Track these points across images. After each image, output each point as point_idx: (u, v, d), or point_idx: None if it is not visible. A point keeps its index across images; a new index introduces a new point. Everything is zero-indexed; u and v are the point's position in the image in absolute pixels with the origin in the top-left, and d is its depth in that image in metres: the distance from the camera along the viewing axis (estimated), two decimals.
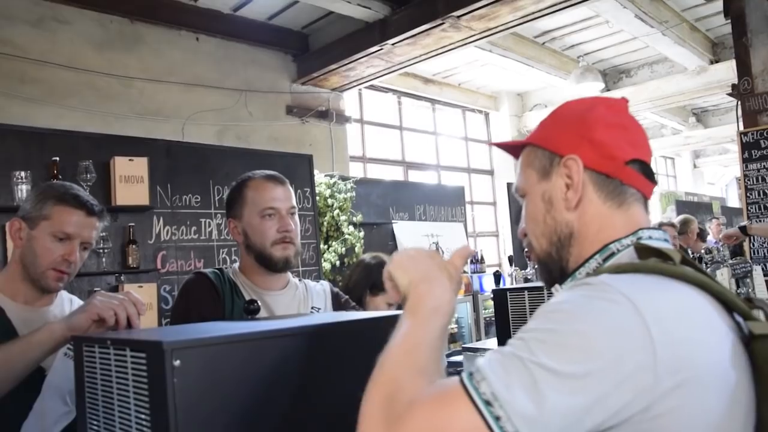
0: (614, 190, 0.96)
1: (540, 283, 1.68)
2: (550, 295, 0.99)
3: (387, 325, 1.06)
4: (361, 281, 2.42)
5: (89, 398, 0.97)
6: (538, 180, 1.01)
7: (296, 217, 1.92)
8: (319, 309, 1.97)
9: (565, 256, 0.98)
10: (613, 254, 0.93)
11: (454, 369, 2.28)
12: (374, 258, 2.45)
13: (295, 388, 0.90)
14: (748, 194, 5.50)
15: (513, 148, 1.11)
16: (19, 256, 1.70)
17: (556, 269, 1.01)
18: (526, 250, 1.09)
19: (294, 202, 1.92)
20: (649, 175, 0.99)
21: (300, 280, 2.05)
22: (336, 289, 2.11)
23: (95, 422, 0.95)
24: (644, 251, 0.90)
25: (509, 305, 1.64)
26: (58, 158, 3.64)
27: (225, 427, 0.83)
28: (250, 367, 0.85)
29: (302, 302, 1.95)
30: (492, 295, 1.79)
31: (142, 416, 0.83)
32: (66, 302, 1.83)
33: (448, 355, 2.56)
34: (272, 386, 0.87)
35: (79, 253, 1.71)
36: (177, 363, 0.78)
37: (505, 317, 1.65)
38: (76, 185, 1.81)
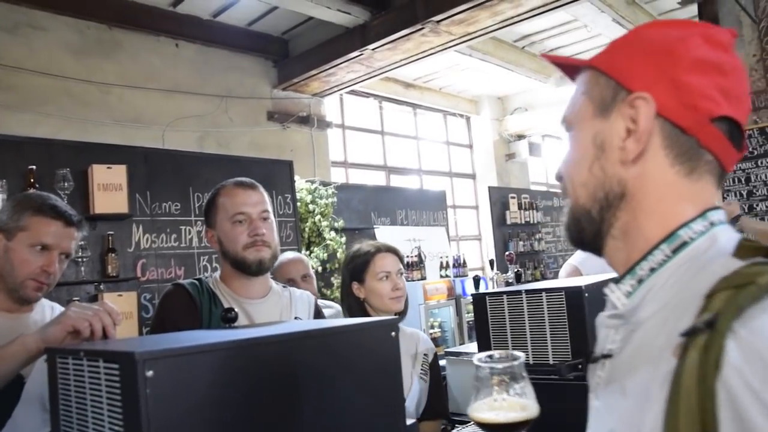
0: (688, 151, 0.75)
1: (518, 287, 1.69)
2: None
3: (363, 333, 1.06)
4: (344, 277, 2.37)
5: (63, 410, 0.96)
6: (592, 114, 0.81)
7: (270, 220, 1.90)
8: (302, 320, 1.96)
9: (608, 219, 0.79)
10: (685, 244, 0.74)
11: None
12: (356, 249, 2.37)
13: (270, 398, 0.89)
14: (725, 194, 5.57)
15: (570, 69, 0.88)
16: None
17: (590, 231, 0.82)
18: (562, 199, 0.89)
19: (267, 206, 1.91)
20: (736, 141, 0.77)
21: (284, 287, 2.04)
22: (318, 303, 2.10)
23: None
24: (747, 250, 0.70)
25: (488, 310, 1.65)
26: (34, 166, 3.60)
27: None
28: (224, 377, 0.84)
29: (285, 310, 1.94)
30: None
31: (116, 428, 0.82)
32: (47, 308, 1.82)
33: (441, 356, 2.55)
34: (247, 396, 0.87)
35: (58, 264, 1.70)
36: (150, 373, 0.77)
37: (485, 321, 1.66)
38: (53, 195, 1.80)
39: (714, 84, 0.74)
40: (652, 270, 0.75)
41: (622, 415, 0.73)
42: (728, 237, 0.74)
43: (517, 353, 0.87)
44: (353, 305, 2.22)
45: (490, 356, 0.86)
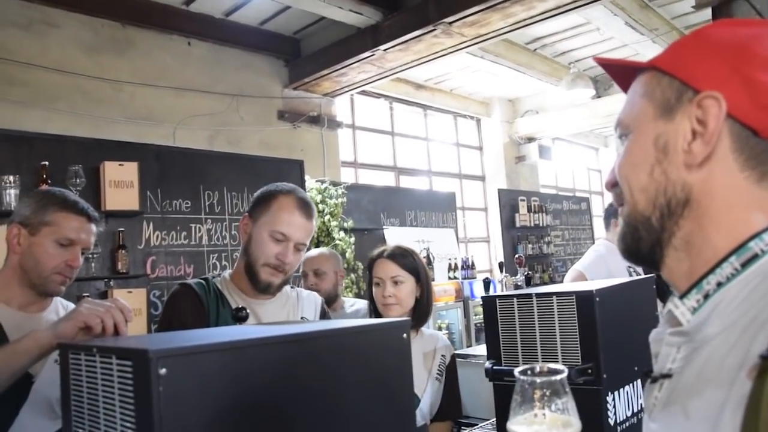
0: (760, 155, 0.70)
1: (528, 290, 1.68)
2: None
3: (375, 334, 1.06)
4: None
5: (75, 406, 0.96)
6: (654, 116, 0.75)
7: (302, 253, 1.88)
8: (309, 320, 1.96)
9: (670, 228, 0.74)
10: (756, 257, 0.68)
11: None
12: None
13: (283, 397, 0.89)
14: None
15: (622, 72, 0.83)
16: (18, 262, 1.70)
17: (648, 241, 0.76)
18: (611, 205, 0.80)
19: (308, 239, 1.88)
20: None
21: (292, 287, 2.04)
22: (324, 304, 2.11)
23: (81, 431, 0.94)
24: None
25: (498, 312, 1.64)
26: (47, 162, 3.62)
27: None
28: (237, 376, 0.85)
29: (292, 311, 1.95)
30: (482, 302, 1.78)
31: (128, 425, 0.82)
32: (60, 308, 1.83)
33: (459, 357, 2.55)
34: (259, 394, 0.87)
35: (80, 259, 1.74)
36: (163, 371, 0.77)
37: (495, 324, 1.65)
38: (71, 192, 1.82)
39: None
40: (720, 284, 0.69)
41: None
42: None
43: (559, 367, 0.80)
44: (371, 304, 2.26)
45: (532, 369, 0.79)
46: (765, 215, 0.70)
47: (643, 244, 0.77)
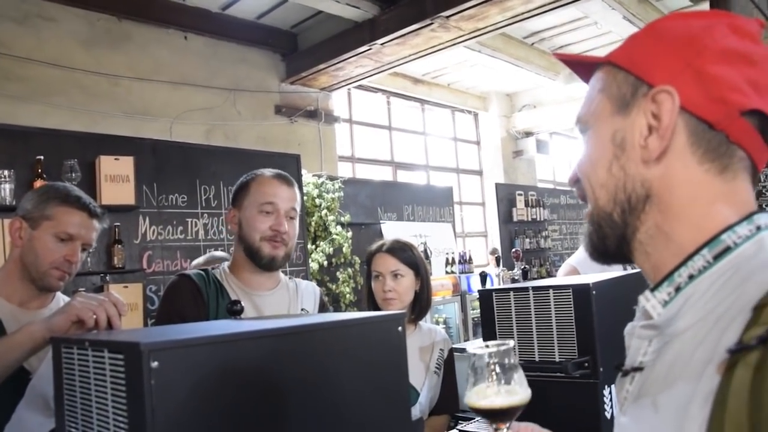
0: (717, 148, 0.69)
1: (525, 284, 1.68)
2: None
3: (370, 328, 1.05)
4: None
5: (67, 400, 0.95)
6: (611, 112, 0.75)
7: (296, 221, 1.90)
8: (308, 311, 1.96)
9: (633, 223, 0.74)
10: (728, 249, 0.67)
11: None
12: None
13: (276, 391, 0.89)
14: None
15: (583, 67, 0.83)
16: (19, 256, 1.70)
17: (613, 238, 0.76)
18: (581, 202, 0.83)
19: (296, 206, 1.90)
20: (767, 136, 0.71)
21: (291, 278, 2.04)
22: (323, 296, 2.11)
23: (73, 425, 0.94)
24: None
25: (495, 306, 1.63)
26: (42, 157, 3.60)
27: (205, 430, 0.81)
28: (231, 369, 0.84)
29: (293, 301, 1.94)
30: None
31: (120, 419, 0.81)
32: (62, 304, 1.82)
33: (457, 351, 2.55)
34: (253, 388, 0.86)
35: (79, 254, 1.72)
36: (155, 364, 0.77)
37: (491, 318, 1.65)
38: (76, 187, 1.81)
39: (743, 75, 0.69)
40: (691, 277, 0.68)
41: (652, 430, 0.68)
42: None
43: (507, 342, 0.90)
44: (369, 300, 2.25)
45: (486, 346, 0.88)
46: (729, 207, 0.70)
47: (608, 241, 0.77)
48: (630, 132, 0.73)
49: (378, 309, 2.20)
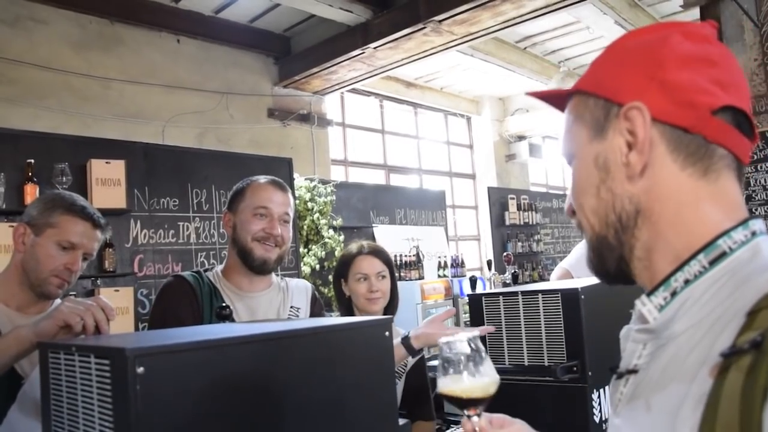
0: (696, 151, 0.70)
1: (514, 288, 1.68)
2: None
3: (357, 332, 1.05)
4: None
5: (54, 405, 0.95)
6: (589, 138, 0.77)
7: (289, 226, 1.95)
8: (298, 309, 1.98)
9: (628, 241, 0.75)
10: (724, 254, 0.68)
11: (433, 374, 2.27)
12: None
13: (262, 396, 0.89)
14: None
15: (557, 100, 0.86)
16: (20, 261, 1.71)
17: (612, 259, 0.77)
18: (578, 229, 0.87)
19: (290, 211, 1.96)
20: (746, 129, 0.72)
21: (282, 278, 2.08)
22: (315, 292, 2.14)
23: (60, 430, 0.94)
24: None
25: (484, 310, 1.64)
26: (33, 160, 3.59)
27: None
28: (216, 374, 0.84)
29: (283, 301, 1.97)
30: None
31: (106, 424, 0.81)
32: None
33: (428, 359, 2.56)
34: (240, 393, 0.86)
35: (80, 263, 1.74)
36: (140, 370, 0.77)
37: (481, 322, 1.65)
38: (82, 197, 1.82)
39: (706, 76, 0.71)
40: (687, 282, 0.69)
41: (643, 431, 0.69)
42: None
43: (473, 330, 1.01)
44: (342, 301, 2.31)
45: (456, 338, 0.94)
46: (718, 208, 0.71)
47: (608, 264, 0.78)
48: (611, 153, 0.75)
49: (351, 311, 2.26)
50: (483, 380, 0.93)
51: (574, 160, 0.81)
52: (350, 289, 2.25)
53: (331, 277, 5.56)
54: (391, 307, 2.29)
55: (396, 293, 2.32)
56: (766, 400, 0.53)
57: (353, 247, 2.33)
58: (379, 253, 2.28)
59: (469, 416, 0.95)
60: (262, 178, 1.97)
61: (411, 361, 2.19)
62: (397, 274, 2.37)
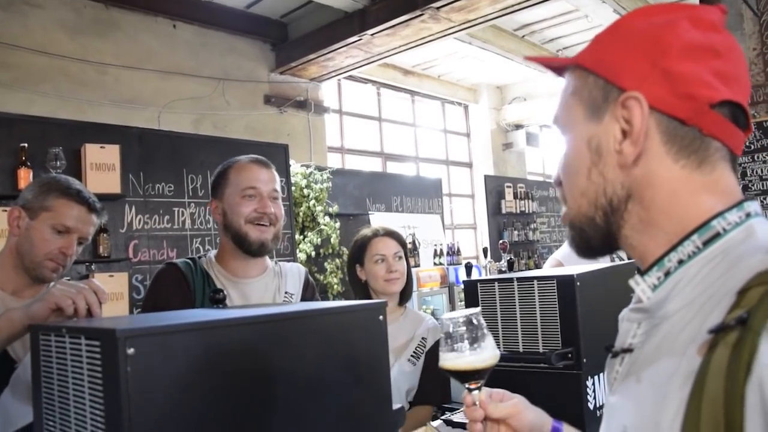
0: (691, 143, 0.70)
1: (509, 275, 1.68)
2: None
3: (350, 316, 1.05)
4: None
5: (45, 387, 0.95)
6: (584, 117, 0.76)
7: (279, 202, 1.90)
8: (292, 295, 1.96)
9: (617, 221, 0.75)
10: (717, 235, 0.68)
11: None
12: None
13: (254, 378, 0.88)
14: None
15: (557, 67, 0.84)
16: (15, 245, 1.70)
17: (597, 238, 0.77)
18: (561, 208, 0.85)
19: (277, 187, 1.90)
20: (741, 122, 0.72)
21: (276, 262, 2.04)
22: (308, 276, 2.10)
23: (51, 413, 0.93)
24: None
25: (479, 297, 1.64)
26: (26, 144, 3.57)
27: (181, 417, 0.81)
28: (207, 357, 0.83)
29: (278, 288, 1.95)
30: None
31: (97, 405, 0.81)
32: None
33: None
34: (230, 376, 0.86)
35: (74, 248, 1.72)
36: (131, 351, 0.76)
37: None
38: (78, 181, 1.80)
39: (709, 68, 0.70)
40: (681, 262, 0.70)
41: (635, 403, 0.70)
42: (766, 229, 0.69)
43: (475, 308, 1.01)
44: (357, 287, 2.31)
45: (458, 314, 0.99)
46: (714, 197, 0.71)
47: (593, 241, 0.78)
48: (605, 138, 0.74)
49: (369, 296, 2.24)
50: (483, 354, 0.97)
51: (566, 134, 0.80)
52: (367, 273, 2.25)
53: (326, 264, 5.58)
54: (406, 291, 2.30)
55: (411, 277, 2.32)
56: (749, 375, 0.54)
57: (367, 230, 2.34)
58: (394, 235, 2.31)
59: (470, 389, 0.98)
60: (244, 158, 1.90)
61: (430, 341, 2.19)
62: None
